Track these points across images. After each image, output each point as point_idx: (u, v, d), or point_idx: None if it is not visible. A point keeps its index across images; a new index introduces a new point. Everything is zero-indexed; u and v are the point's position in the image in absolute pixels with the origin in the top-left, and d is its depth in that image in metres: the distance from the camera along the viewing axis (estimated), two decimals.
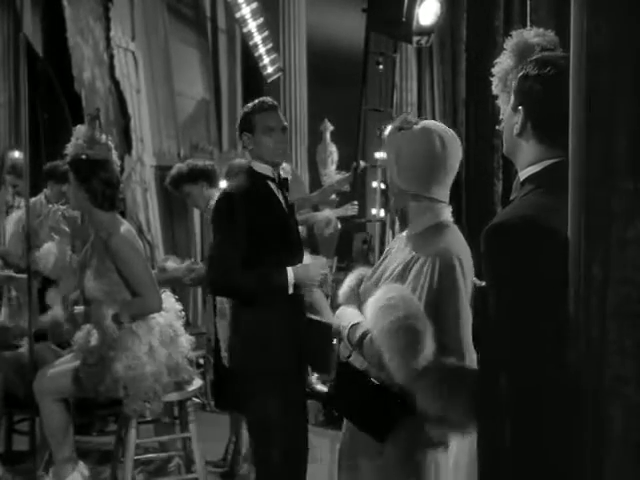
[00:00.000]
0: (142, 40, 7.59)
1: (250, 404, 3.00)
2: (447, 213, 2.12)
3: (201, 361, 5.28)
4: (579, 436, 1.42)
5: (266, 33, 9.25)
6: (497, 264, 1.54)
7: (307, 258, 3.10)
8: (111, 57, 6.97)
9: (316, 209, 5.48)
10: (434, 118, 7.65)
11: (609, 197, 1.35)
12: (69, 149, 3.40)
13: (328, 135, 9.57)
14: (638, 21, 1.32)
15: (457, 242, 2.06)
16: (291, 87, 9.64)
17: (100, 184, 3.41)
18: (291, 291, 2.93)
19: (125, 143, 7.10)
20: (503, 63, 1.77)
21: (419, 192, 2.07)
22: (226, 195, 2.99)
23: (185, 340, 3.51)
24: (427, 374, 1.83)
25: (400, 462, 1.99)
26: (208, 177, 4.50)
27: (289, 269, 2.92)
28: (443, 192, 2.09)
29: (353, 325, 2.07)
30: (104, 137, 3.45)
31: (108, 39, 6.94)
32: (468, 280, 1.99)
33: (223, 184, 5.34)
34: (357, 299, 2.14)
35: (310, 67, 9.82)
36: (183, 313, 3.59)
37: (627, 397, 1.36)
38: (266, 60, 9.41)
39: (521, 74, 1.67)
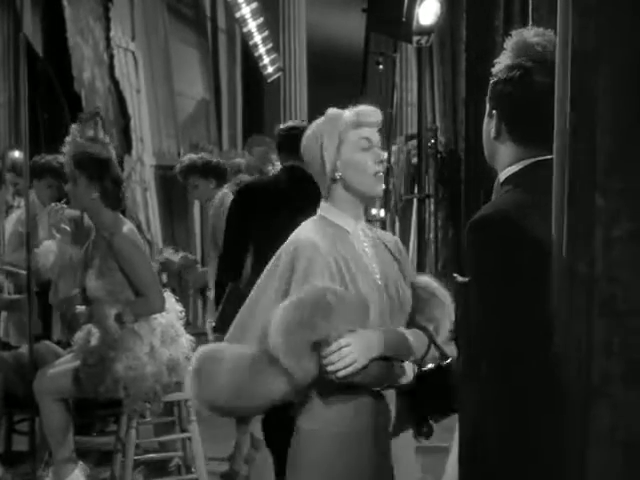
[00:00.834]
0: (142, 40, 7.59)
1: None
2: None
3: None
4: (564, 435, 1.43)
5: (266, 33, 9.25)
6: (475, 258, 1.57)
7: None
8: (111, 57, 6.97)
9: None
10: (434, 118, 7.66)
11: (594, 196, 1.36)
12: (68, 148, 3.39)
13: None
14: (624, 21, 1.33)
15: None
16: (291, 87, 9.65)
17: (110, 182, 3.41)
18: None
19: (125, 143, 7.10)
20: (503, 63, 1.78)
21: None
22: None
23: (185, 340, 3.50)
24: None
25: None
26: (219, 175, 4.59)
27: None
28: None
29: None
30: (103, 135, 3.45)
31: (108, 39, 6.94)
32: None
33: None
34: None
35: (310, 67, 9.83)
36: (183, 313, 3.58)
37: (613, 396, 1.36)
38: (266, 60, 9.42)
39: (492, 81, 1.70)
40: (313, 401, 1.89)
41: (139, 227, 7.05)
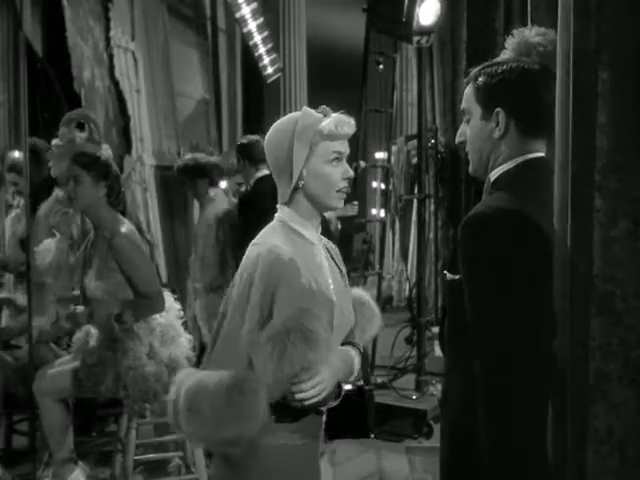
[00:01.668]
0: (142, 40, 7.59)
1: None
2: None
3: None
4: (562, 432, 1.43)
5: (266, 33, 9.25)
6: (468, 255, 1.58)
7: None
8: (111, 57, 6.96)
9: None
10: (434, 118, 7.65)
11: (594, 196, 1.36)
12: (61, 150, 3.38)
13: None
14: (623, 22, 1.33)
15: None
16: (291, 87, 9.65)
17: (115, 181, 3.44)
18: None
19: (125, 143, 7.09)
20: (505, 62, 1.78)
21: None
22: None
23: (185, 340, 3.51)
24: None
25: None
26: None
27: None
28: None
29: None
30: (96, 135, 3.45)
31: (108, 39, 6.93)
32: None
33: (223, 184, 5.47)
34: None
35: (310, 67, 9.83)
36: (182, 313, 3.58)
37: (610, 394, 1.37)
38: (266, 60, 9.42)
39: (480, 84, 1.70)
40: (270, 417, 1.86)
41: (139, 228, 7.05)
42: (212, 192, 5.08)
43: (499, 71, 1.70)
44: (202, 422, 1.80)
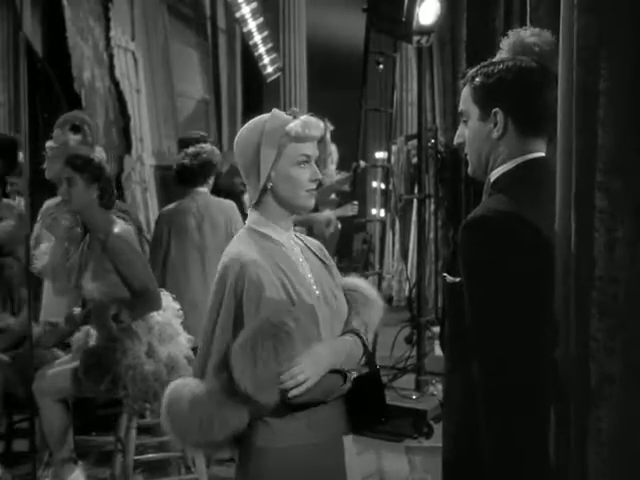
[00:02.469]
0: (142, 40, 7.59)
1: None
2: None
3: None
4: (564, 434, 1.43)
5: (266, 33, 9.25)
6: (468, 258, 1.58)
7: None
8: (111, 57, 6.96)
9: (316, 209, 5.48)
10: (434, 118, 7.65)
11: (597, 196, 1.35)
12: (55, 152, 3.39)
13: (328, 135, 9.57)
14: (626, 20, 1.33)
15: None
16: (291, 87, 9.64)
17: (108, 183, 3.44)
18: None
19: (125, 143, 7.09)
20: (502, 62, 1.78)
21: None
22: None
23: (184, 339, 3.51)
24: None
25: None
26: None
27: None
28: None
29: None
30: (90, 138, 3.46)
31: (108, 39, 6.93)
32: None
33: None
34: None
35: (310, 67, 9.82)
36: (181, 312, 3.58)
37: (613, 396, 1.36)
38: (266, 60, 9.42)
39: (477, 85, 1.70)
40: (266, 419, 1.88)
41: (139, 228, 7.04)
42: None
43: (495, 71, 1.69)
44: (174, 428, 1.87)
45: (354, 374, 1.97)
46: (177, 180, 4.60)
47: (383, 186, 8.87)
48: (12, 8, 5.94)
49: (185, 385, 1.89)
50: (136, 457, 3.51)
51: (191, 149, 4.34)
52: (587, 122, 1.36)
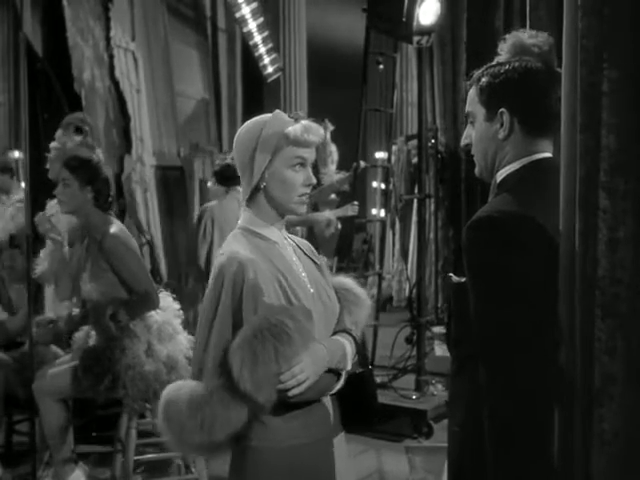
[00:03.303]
0: (142, 40, 7.59)
1: None
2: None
3: None
4: (568, 435, 1.43)
5: (266, 33, 9.24)
6: (474, 258, 1.57)
7: None
8: (111, 57, 6.97)
9: (316, 209, 5.48)
10: (434, 118, 7.65)
11: (600, 197, 1.35)
12: (56, 153, 3.40)
13: (328, 135, 9.57)
14: (630, 21, 1.32)
15: None
16: (291, 87, 9.64)
17: (103, 185, 3.44)
18: None
19: (125, 143, 7.10)
20: (504, 64, 1.77)
21: None
22: None
23: (184, 338, 3.51)
24: None
25: None
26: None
27: None
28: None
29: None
30: (90, 139, 3.47)
31: (108, 39, 6.94)
32: None
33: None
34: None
35: (310, 67, 9.82)
36: (181, 312, 3.58)
37: (616, 397, 1.36)
38: (266, 60, 9.41)
39: (484, 86, 1.70)
40: (262, 419, 1.88)
41: (140, 228, 7.04)
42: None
43: (502, 71, 1.69)
44: (172, 430, 1.86)
45: (347, 373, 1.97)
46: (218, 179, 5.10)
47: (383, 186, 8.88)
48: (12, 8, 5.95)
49: (182, 387, 1.89)
50: (136, 457, 3.51)
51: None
52: (591, 123, 1.36)
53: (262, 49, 9.33)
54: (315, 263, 2.07)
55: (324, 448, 1.96)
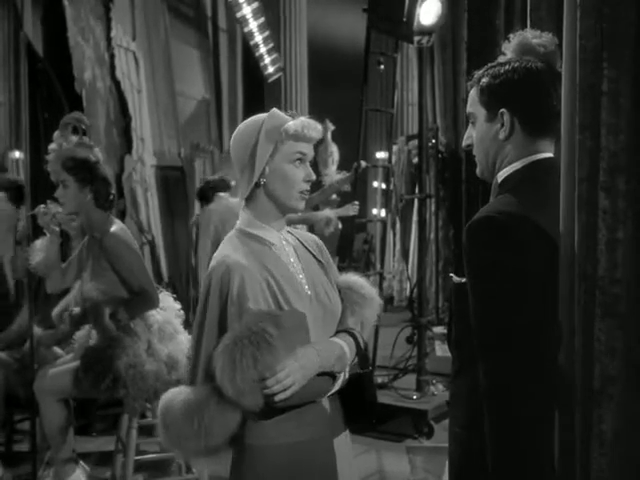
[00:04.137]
0: (143, 40, 7.59)
1: None
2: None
3: None
4: (568, 435, 1.43)
5: (267, 33, 9.25)
6: (474, 259, 1.57)
7: None
8: (112, 57, 6.98)
9: (316, 209, 5.48)
10: (435, 117, 7.65)
11: (600, 197, 1.35)
12: (54, 154, 3.40)
13: (329, 135, 9.56)
14: (630, 20, 1.32)
15: None
16: (292, 87, 9.64)
17: (102, 184, 3.44)
18: None
19: (126, 143, 7.10)
20: (506, 64, 1.77)
21: None
22: None
23: (185, 338, 3.50)
24: None
25: None
26: None
27: None
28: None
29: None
30: (87, 139, 3.47)
31: (109, 39, 6.94)
32: None
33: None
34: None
35: (311, 67, 9.83)
36: (182, 312, 3.58)
37: (616, 397, 1.36)
38: (267, 60, 9.42)
39: (484, 86, 1.70)
40: (257, 418, 1.88)
41: (140, 228, 7.05)
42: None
43: (502, 71, 1.69)
44: (170, 437, 1.86)
45: (344, 375, 1.96)
46: (200, 198, 5.31)
47: (384, 186, 8.88)
48: (13, 8, 5.95)
49: (177, 395, 1.89)
50: (137, 457, 3.51)
51: None
52: (590, 123, 1.36)
53: (263, 49, 9.33)
54: (319, 262, 2.05)
55: (322, 447, 1.95)
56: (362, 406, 2.01)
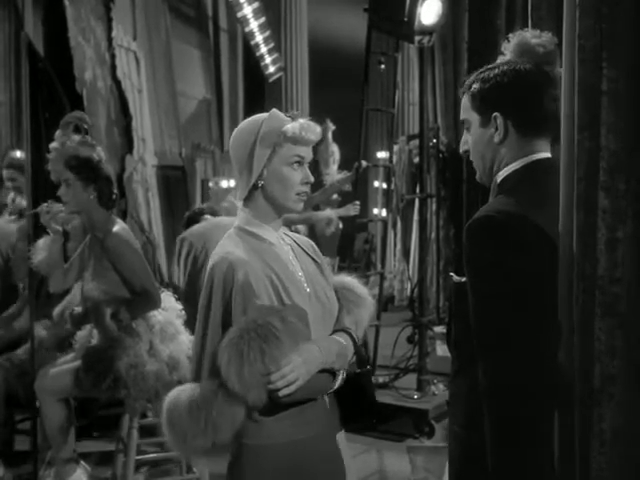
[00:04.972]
0: (144, 40, 7.60)
1: None
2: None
3: None
4: (568, 435, 1.43)
5: (268, 33, 9.25)
6: (473, 259, 1.57)
7: None
8: (113, 57, 6.98)
9: (317, 209, 5.48)
10: (435, 117, 7.65)
11: (600, 197, 1.35)
12: (56, 153, 3.39)
13: (330, 135, 9.57)
14: (629, 20, 1.32)
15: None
16: (292, 87, 9.65)
17: (105, 184, 3.44)
18: None
19: (127, 143, 7.10)
20: (501, 67, 1.77)
21: None
22: None
23: (186, 338, 3.51)
24: None
25: None
26: None
27: None
28: None
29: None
30: (89, 138, 3.47)
31: (110, 39, 6.95)
32: None
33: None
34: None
35: (311, 67, 9.83)
36: (184, 312, 3.58)
37: (616, 396, 1.36)
38: (268, 60, 9.43)
39: (475, 92, 1.70)
40: (255, 417, 1.88)
41: (141, 228, 7.05)
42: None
43: (491, 76, 1.70)
44: (176, 436, 1.87)
45: (343, 373, 1.97)
46: (187, 225, 5.27)
47: (385, 186, 8.87)
48: (14, 8, 5.95)
49: (181, 393, 1.89)
50: (137, 457, 3.51)
51: None
52: (590, 122, 1.36)
53: (264, 49, 9.34)
54: (315, 262, 2.06)
55: (319, 445, 1.96)
56: (362, 406, 2.02)
